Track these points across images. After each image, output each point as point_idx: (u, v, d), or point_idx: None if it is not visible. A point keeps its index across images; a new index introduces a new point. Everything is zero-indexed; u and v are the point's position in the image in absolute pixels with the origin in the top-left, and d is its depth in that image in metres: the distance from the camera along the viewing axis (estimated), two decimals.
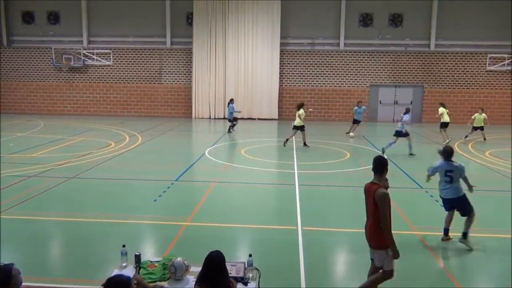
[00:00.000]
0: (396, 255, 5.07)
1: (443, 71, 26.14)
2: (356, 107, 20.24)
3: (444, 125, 18.48)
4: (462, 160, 14.93)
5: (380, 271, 5.26)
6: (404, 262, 6.75)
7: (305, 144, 16.83)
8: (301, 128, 16.87)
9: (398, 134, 15.55)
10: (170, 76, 27.32)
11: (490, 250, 7.36)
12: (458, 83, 26.17)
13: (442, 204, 7.73)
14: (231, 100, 21.17)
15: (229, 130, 20.73)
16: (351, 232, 8.08)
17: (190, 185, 11.69)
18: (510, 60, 25.38)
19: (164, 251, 6.89)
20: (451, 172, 7.32)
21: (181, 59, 27.16)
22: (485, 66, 25.79)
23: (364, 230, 5.39)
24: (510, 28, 25.40)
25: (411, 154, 15.43)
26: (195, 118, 26.88)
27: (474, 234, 7.95)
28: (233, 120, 20.75)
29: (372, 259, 5.37)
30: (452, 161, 7.47)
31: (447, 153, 7.48)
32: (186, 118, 26.80)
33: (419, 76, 26.27)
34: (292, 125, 17.42)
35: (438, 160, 7.60)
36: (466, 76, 26.08)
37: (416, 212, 9.40)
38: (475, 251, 7.28)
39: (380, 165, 5.22)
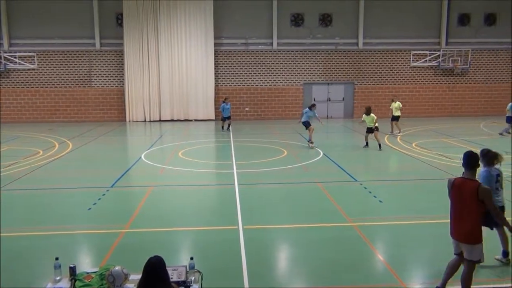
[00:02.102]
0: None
1: (371, 68, 27.35)
2: (307, 109, 17.35)
3: (396, 118, 19.57)
4: (390, 152, 15.74)
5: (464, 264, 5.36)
6: (343, 254, 7.00)
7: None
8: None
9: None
10: (101, 79, 26.33)
11: (423, 236, 7.79)
12: (386, 79, 27.50)
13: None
14: (225, 99, 22.16)
15: (227, 127, 21.85)
16: (292, 228, 8.23)
17: (126, 190, 11.34)
18: (431, 57, 27.07)
19: (101, 260, 6.63)
20: (499, 177, 6.50)
21: (112, 61, 26.28)
22: (409, 63, 27.32)
23: (450, 226, 5.38)
24: (430, 27, 27.12)
25: None
26: (130, 121, 26.11)
27: (406, 222, 8.40)
28: (227, 119, 21.71)
29: (456, 254, 5.40)
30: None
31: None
32: (120, 122, 25.98)
33: (349, 73, 27.29)
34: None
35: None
36: (392, 72, 27.47)
37: (351, 204, 9.74)
38: (409, 239, 7.68)
39: (474, 160, 5.16)
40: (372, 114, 16.15)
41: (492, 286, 5.92)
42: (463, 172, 5.37)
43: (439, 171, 12.50)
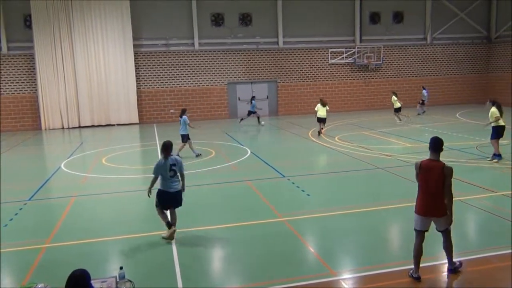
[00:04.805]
0: (452, 218, 5.77)
1: (292, 66, 28.08)
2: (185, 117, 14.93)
3: (397, 110, 21.81)
4: (315, 147, 16.29)
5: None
6: (275, 249, 7.12)
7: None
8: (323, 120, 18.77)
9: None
10: (10, 85, 24.49)
11: (349, 226, 8.15)
12: (307, 77, 28.38)
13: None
14: (253, 97, 23.49)
15: (259, 121, 23.07)
16: (223, 228, 8.23)
17: (46, 203, 10.67)
18: (347, 54, 28.38)
19: (22, 279, 6.19)
20: (174, 166, 7.45)
21: (22, 65, 24.54)
22: (328, 60, 28.43)
23: (416, 204, 5.84)
24: (345, 25, 28.41)
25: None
26: (46, 129, 24.57)
27: (333, 213, 8.73)
28: (249, 115, 22.83)
29: (420, 231, 5.83)
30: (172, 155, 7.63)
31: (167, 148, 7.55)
32: (35, 131, 24.36)
33: (272, 72, 27.81)
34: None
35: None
36: (312, 69, 28.41)
37: (280, 199, 9.95)
38: (337, 229, 7.99)
39: (439, 144, 5.75)
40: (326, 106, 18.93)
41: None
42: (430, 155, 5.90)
43: (361, 162, 13.16)
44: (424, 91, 25.53)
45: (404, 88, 29.74)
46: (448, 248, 5.90)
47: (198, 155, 14.77)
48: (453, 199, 5.74)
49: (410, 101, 29.44)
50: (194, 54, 26.56)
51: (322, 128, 18.83)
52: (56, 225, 8.62)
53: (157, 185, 7.68)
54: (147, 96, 26.23)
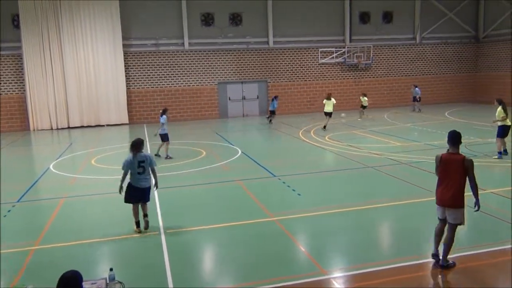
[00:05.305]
0: (479, 203, 5.93)
1: (282, 65, 28.11)
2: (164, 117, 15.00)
3: (364, 107, 23.88)
4: (305, 146, 16.32)
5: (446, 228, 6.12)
6: (266, 249, 7.12)
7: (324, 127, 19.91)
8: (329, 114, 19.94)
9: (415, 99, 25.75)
10: None
11: (340, 225, 8.17)
12: (297, 76, 28.43)
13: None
14: (276, 97, 23.57)
15: (270, 120, 23.23)
16: (215, 228, 8.21)
17: (35, 204, 10.56)
18: (337, 53, 28.47)
19: (11, 282, 6.12)
20: (143, 163, 7.86)
21: (10, 66, 24.27)
22: (318, 60, 28.50)
23: (436, 195, 6.13)
24: (335, 25, 28.50)
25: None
26: (34, 130, 24.32)
27: (324, 212, 8.76)
28: (272, 113, 23.18)
29: (441, 219, 6.10)
30: (142, 152, 7.95)
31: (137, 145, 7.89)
32: (23, 132, 24.10)
33: (262, 71, 27.81)
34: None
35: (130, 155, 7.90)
36: (302, 69, 28.46)
37: (271, 199, 9.95)
38: (328, 229, 8.01)
39: (457, 137, 6.01)
40: (332, 99, 20.09)
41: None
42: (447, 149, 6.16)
43: (351, 161, 13.21)
44: (416, 89, 26.14)
45: (394, 87, 29.93)
46: (449, 243, 6.03)
47: (157, 155, 14.67)
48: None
49: (400, 100, 29.71)
50: (184, 54, 26.47)
51: (325, 126, 19.81)
52: (45, 227, 8.54)
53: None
54: (137, 96, 26.08)
